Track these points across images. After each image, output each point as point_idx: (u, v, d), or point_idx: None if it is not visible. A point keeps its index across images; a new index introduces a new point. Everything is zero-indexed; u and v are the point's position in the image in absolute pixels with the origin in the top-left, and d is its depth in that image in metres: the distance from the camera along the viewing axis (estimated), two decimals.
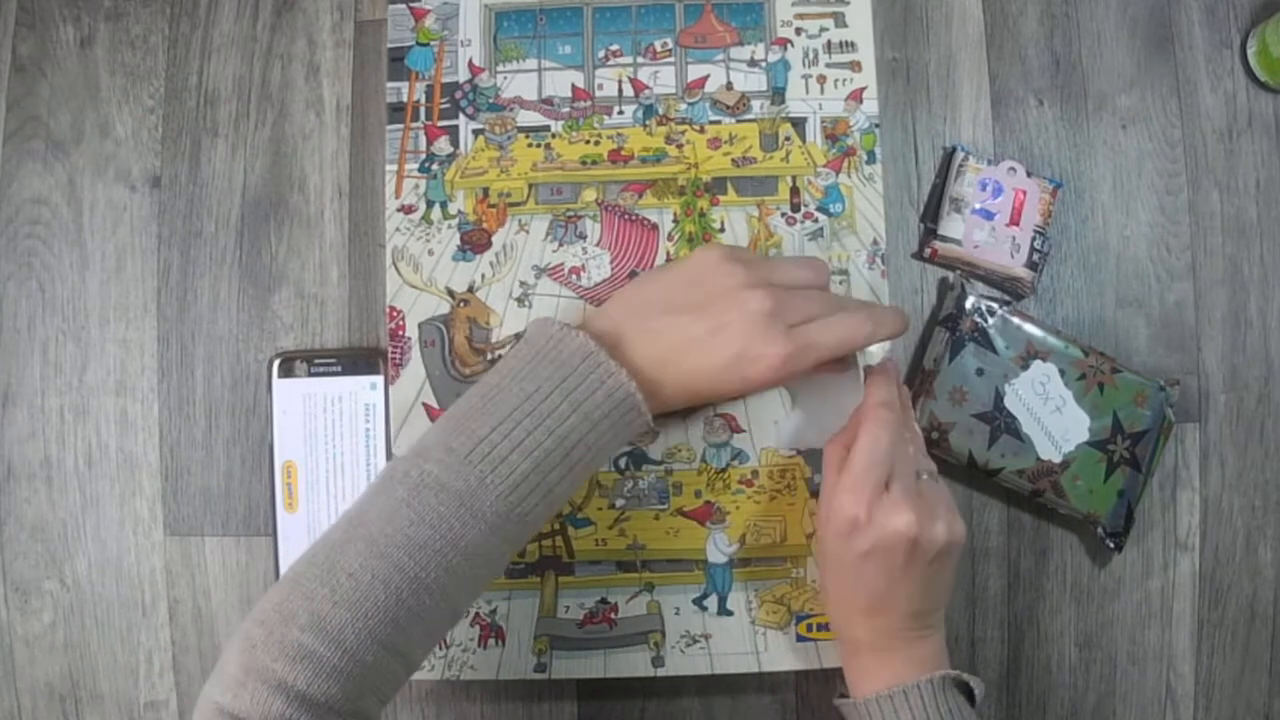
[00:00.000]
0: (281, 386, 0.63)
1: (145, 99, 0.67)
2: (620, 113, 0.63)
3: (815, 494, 0.60)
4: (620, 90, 0.63)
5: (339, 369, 0.63)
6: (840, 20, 0.63)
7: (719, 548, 0.61)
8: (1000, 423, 0.60)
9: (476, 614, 0.60)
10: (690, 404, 0.56)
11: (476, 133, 0.63)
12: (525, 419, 0.48)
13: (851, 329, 0.53)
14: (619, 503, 0.61)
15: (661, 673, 0.60)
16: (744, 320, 0.50)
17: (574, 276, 0.62)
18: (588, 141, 0.63)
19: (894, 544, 0.51)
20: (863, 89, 0.63)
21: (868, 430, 0.52)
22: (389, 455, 0.61)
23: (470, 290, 0.62)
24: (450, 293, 0.62)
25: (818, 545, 0.56)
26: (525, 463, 0.47)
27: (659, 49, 0.64)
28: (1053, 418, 0.60)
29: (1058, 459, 0.60)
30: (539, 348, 0.50)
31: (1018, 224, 0.62)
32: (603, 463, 0.52)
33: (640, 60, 0.64)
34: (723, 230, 0.62)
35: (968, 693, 0.54)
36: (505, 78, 0.64)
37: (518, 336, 0.62)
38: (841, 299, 0.55)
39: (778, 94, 0.63)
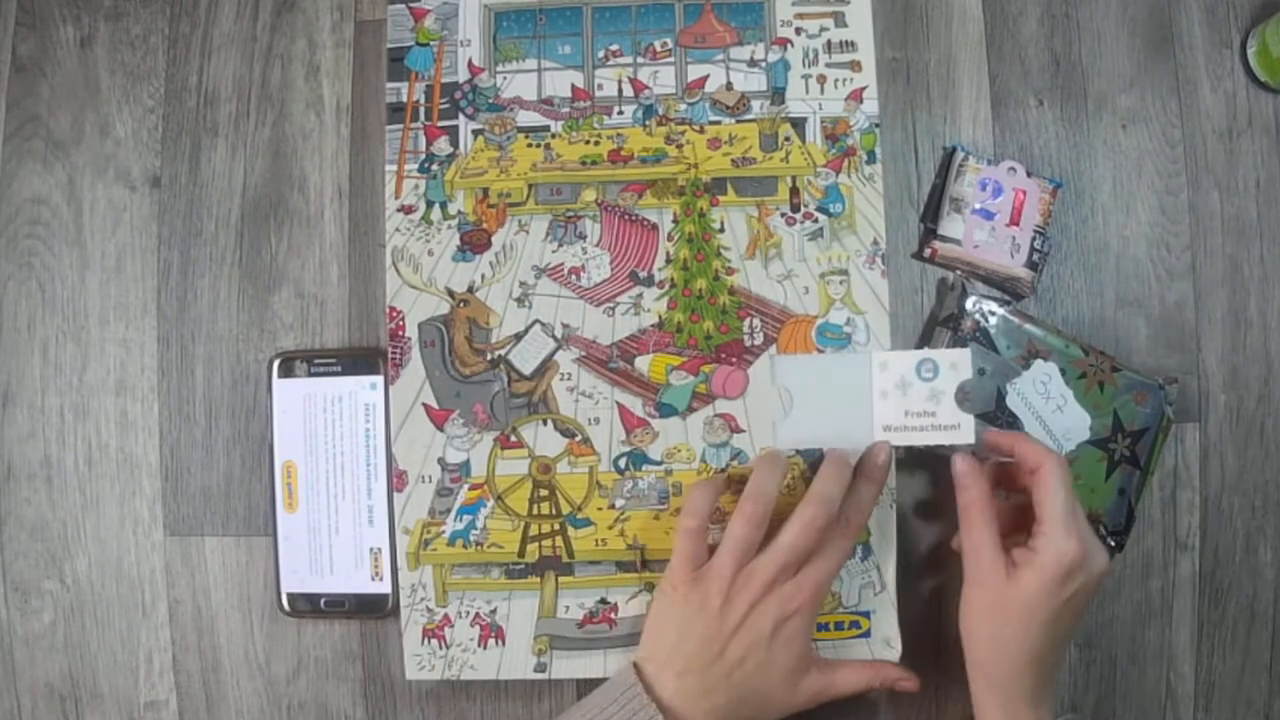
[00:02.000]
0: (281, 386, 0.63)
1: (145, 99, 0.67)
2: (620, 113, 0.63)
3: None
4: (620, 90, 0.63)
5: (339, 369, 0.63)
6: (840, 20, 0.63)
7: None
8: (1003, 422, 0.60)
9: (476, 614, 0.60)
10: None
11: (476, 133, 0.63)
12: None
13: (842, 549, 0.56)
14: (619, 503, 0.61)
15: None
16: (758, 619, 0.54)
17: (574, 276, 0.62)
18: (587, 141, 0.63)
19: (1094, 582, 0.53)
20: (863, 89, 0.63)
21: (1047, 484, 0.53)
22: (389, 455, 0.61)
23: (470, 290, 0.62)
24: (450, 293, 0.62)
25: (994, 603, 0.54)
26: None
27: (659, 49, 0.64)
28: (1054, 417, 0.60)
29: None
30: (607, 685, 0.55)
31: (1018, 224, 0.62)
32: None
33: (640, 60, 0.64)
34: (722, 230, 0.62)
35: None
36: (505, 78, 0.64)
37: (518, 337, 0.62)
38: (797, 520, 0.55)
39: (778, 94, 0.63)
